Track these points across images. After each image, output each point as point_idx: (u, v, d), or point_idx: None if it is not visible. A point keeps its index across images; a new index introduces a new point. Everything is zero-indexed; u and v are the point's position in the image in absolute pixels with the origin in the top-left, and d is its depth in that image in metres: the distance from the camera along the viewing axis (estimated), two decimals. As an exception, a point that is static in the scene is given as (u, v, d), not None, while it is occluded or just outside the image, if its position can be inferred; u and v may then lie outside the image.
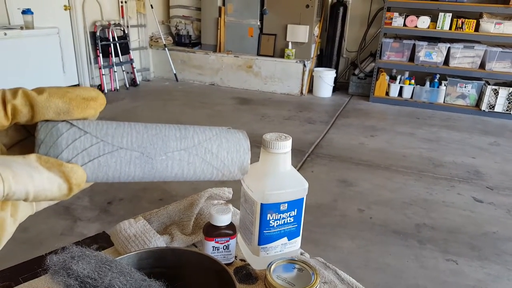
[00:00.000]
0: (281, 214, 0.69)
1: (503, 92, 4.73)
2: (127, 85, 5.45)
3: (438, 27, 4.87)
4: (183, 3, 5.99)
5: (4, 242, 0.27)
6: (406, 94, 5.22)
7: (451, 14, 4.77)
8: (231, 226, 0.72)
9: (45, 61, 4.21)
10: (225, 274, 0.54)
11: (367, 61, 5.55)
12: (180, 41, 6.04)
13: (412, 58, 5.14)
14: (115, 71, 5.19)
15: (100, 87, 4.98)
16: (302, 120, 4.40)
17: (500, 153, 3.70)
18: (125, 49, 5.34)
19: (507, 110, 4.78)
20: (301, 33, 5.27)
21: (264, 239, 0.70)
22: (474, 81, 4.94)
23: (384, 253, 2.17)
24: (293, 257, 0.67)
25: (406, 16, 4.94)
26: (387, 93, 5.29)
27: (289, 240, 0.72)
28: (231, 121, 4.26)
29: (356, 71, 5.60)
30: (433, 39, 5.02)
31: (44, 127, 0.28)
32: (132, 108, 4.57)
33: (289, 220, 0.70)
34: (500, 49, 4.74)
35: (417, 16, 4.91)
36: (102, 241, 0.81)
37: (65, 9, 4.61)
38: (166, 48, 5.78)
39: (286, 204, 0.68)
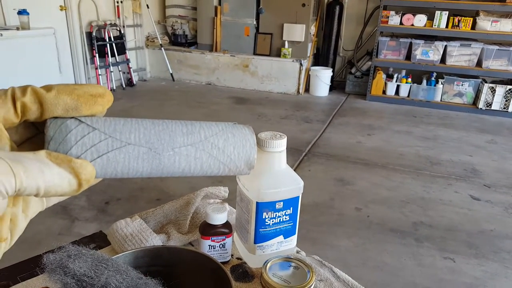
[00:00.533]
0: (277, 213, 0.69)
1: (500, 90, 4.74)
2: (124, 85, 5.44)
3: (435, 25, 4.88)
4: (179, 3, 5.98)
5: (16, 238, 0.28)
6: (403, 92, 5.23)
7: (447, 12, 4.78)
8: (227, 224, 0.72)
9: (41, 61, 4.21)
10: (221, 272, 0.54)
11: (364, 59, 5.55)
12: (176, 40, 6.04)
13: (408, 56, 5.15)
14: (111, 71, 5.18)
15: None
16: (299, 119, 4.40)
17: (497, 151, 3.71)
18: (121, 49, 5.33)
19: (504, 108, 4.80)
20: (297, 32, 5.27)
21: (260, 238, 0.70)
22: (471, 79, 4.95)
23: (382, 251, 2.17)
24: (289, 255, 0.67)
25: (403, 14, 4.95)
26: (384, 92, 5.30)
27: (285, 238, 0.72)
28: (228, 120, 4.24)
29: (353, 70, 5.61)
30: (429, 37, 5.03)
31: (54, 124, 0.28)
32: (129, 108, 4.56)
33: (285, 218, 0.70)
34: (496, 47, 4.75)
35: (413, 15, 4.91)
36: (99, 240, 0.81)
37: (61, 10, 4.59)
38: (163, 48, 5.78)
39: (282, 203, 0.69)
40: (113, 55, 5.17)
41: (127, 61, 5.45)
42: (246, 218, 0.71)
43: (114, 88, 5.27)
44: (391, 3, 4.99)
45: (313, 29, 5.46)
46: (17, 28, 3.94)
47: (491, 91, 4.78)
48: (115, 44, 5.18)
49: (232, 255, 0.75)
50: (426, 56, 5.03)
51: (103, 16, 5.14)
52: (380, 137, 3.94)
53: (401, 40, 5.09)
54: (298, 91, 5.46)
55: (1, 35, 3.72)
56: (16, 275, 0.70)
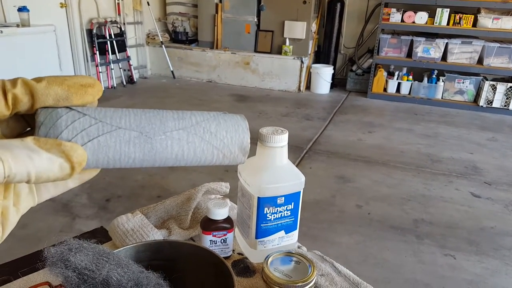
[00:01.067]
0: (278, 208, 0.69)
1: (501, 87, 4.74)
2: (124, 83, 5.44)
3: (436, 22, 4.87)
4: (180, 0, 5.97)
5: (7, 232, 0.27)
6: (404, 90, 5.22)
7: (448, 9, 4.77)
8: (228, 219, 0.72)
9: (41, 58, 4.20)
10: (223, 266, 0.54)
11: (365, 57, 5.55)
12: (177, 38, 6.03)
13: (410, 54, 5.14)
14: (112, 69, 5.18)
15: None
16: (300, 117, 4.40)
17: (498, 149, 3.71)
18: (122, 47, 5.32)
19: (505, 106, 4.79)
20: (298, 30, 5.26)
21: (261, 233, 0.70)
22: (472, 77, 4.94)
23: (382, 248, 2.18)
24: (290, 250, 0.67)
25: (404, 11, 4.94)
26: (385, 89, 5.29)
27: (286, 233, 0.72)
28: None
29: (354, 67, 5.60)
30: (431, 35, 5.02)
31: (44, 111, 0.28)
32: (129, 105, 4.56)
33: (286, 213, 0.70)
34: (498, 45, 4.74)
35: (414, 12, 4.90)
36: (100, 235, 0.81)
37: (61, 7, 4.59)
38: (163, 45, 5.77)
39: (283, 198, 0.69)
40: (113, 52, 5.17)
41: (128, 58, 5.44)
42: (247, 213, 0.71)
43: (115, 85, 5.27)
44: (392, 0, 4.98)
45: (314, 27, 5.45)
46: (17, 25, 3.93)
47: (492, 89, 4.77)
48: (116, 41, 5.17)
49: (233, 250, 0.75)
50: (427, 54, 5.02)
51: (104, 13, 5.14)
52: (381, 134, 3.94)
53: (402, 37, 5.08)
54: (299, 89, 5.46)
55: (1, 32, 3.72)
56: (17, 270, 0.70)
